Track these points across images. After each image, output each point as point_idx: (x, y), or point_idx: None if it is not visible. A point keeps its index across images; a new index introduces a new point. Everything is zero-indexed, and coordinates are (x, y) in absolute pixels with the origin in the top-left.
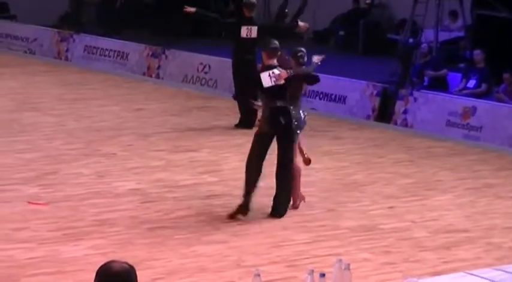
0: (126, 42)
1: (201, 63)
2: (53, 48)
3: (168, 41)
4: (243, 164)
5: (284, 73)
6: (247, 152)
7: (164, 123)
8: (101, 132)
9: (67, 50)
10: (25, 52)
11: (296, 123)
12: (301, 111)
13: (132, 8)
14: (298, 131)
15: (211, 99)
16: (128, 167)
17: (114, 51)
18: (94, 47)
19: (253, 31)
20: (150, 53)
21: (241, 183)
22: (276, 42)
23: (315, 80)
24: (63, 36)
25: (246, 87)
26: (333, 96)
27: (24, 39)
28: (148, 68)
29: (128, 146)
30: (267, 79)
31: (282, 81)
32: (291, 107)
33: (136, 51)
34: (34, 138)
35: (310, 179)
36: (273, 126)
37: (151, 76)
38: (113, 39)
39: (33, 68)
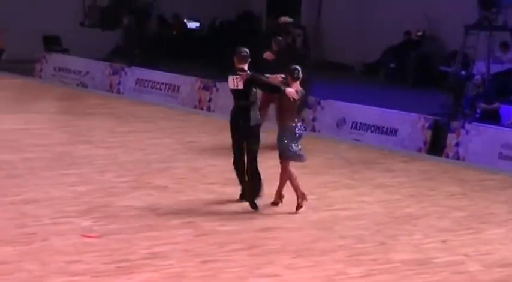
0: (177, 75)
1: None
2: (105, 81)
3: (219, 73)
4: (296, 198)
5: (241, 78)
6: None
7: (216, 156)
8: (152, 164)
9: (119, 83)
10: (77, 85)
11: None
12: (295, 125)
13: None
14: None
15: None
16: (180, 199)
17: (166, 84)
18: (145, 80)
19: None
20: (202, 86)
21: (293, 216)
22: (247, 50)
23: (272, 89)
24: (115, 69)
25: None
26: (384, 129)
27: (77, 72)
28: (200, 100)
29: (179, 178)
30: (231, 82)
31: (241, 86)
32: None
33: (187, 83)
34: (86, 171)
35: (362, 211)
36: (234, 124)
37: (202, 109)
38: (164, 72)
39: (85, 101)
